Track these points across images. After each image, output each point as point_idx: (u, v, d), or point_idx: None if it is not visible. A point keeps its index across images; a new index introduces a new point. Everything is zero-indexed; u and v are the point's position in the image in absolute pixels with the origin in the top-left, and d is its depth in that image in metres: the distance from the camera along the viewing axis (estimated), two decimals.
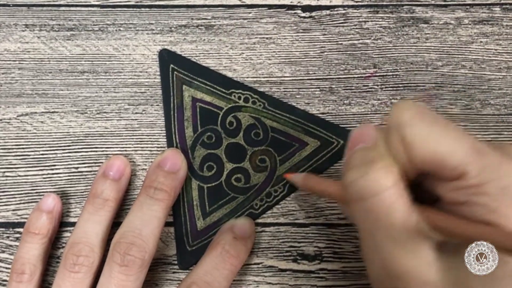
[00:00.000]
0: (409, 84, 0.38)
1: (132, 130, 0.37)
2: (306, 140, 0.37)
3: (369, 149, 0.26)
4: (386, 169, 0.24)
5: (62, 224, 0.36)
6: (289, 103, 0.37)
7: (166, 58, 0.38)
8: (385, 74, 0.38)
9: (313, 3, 0.39)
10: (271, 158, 0.37)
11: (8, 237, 0.36)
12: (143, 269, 0.31)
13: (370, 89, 0.38)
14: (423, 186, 0.27)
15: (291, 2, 0.39)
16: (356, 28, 0.39)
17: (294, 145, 0.37)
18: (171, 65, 0.38)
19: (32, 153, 0.37)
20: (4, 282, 0.36)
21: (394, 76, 0.38)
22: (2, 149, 0.37)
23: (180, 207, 0.36)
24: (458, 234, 0.23)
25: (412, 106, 0.25)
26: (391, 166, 0.24)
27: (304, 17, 0.39)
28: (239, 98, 0.37)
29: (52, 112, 0.37)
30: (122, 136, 0.37)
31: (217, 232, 0.35)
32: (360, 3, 0.39)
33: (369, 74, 0.38)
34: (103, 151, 0.37)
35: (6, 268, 0.36)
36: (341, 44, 0.38)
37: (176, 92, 0.37)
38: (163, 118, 0.37)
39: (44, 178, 0.37)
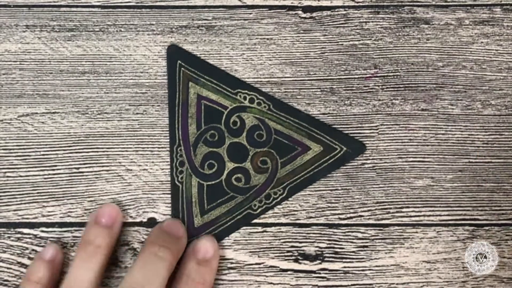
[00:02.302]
0: (410, 85, 0.38)
1: (133, 131, 0.37)
2: (309, 144, 0.37)
3: None
4: None
5: (63, 225, 0.36)
6: (291, 104, 0.37)
7: (174, 54, 0.38)
8: (386, 74, 0.38)
9: (314, 4, 0.39)
10: (273, 160, 0.37)
11: (9, 237, 0.36)
12: None
13: (371, 90, 0.38)
14: None
15: (292, 2, 0.39)
16: (357, 29, 0.39)
17: (296, 149, 0.37)
18: (179, 61, 0.38)
19: (33, 153, 0.37)
20: (6, 282, 0.36)
21: (395, 77, 0.38)
22: (3, 149, 0.37)
23: (178, 203, 0.36)
24: None
25: None
26: None
27: (305, 18, 0.39)
28: (245, 98, 0.37)
29: (53, 112, 0.37)
30: (123, 136, 0.37)
31: (182, 258, 0.35)
32: (361, 4, 0.39)
33: (370, 75, 0.38)
34: (104, 151, 0.37)
35: (7, 268, 0.36)
36: (342, 44, 0.39)
37: (182, 88, 0.37)
38: (164, 118, 0.37)
39: (45, 178, 0.37)
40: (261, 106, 0.37)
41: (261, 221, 0.36)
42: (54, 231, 0.36)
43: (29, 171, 0.37)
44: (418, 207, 0.36)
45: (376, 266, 0.36)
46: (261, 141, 0.37)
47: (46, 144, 0.37)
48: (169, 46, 0.38)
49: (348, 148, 0.37)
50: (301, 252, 0.36)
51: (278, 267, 0.36)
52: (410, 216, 0.36)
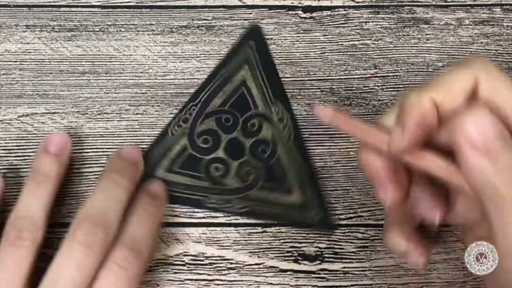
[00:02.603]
0: (410, 85, 0.38)
1: (133, 131, 0.37)
2: (295, 191, 0.36)
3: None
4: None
5: (63, 225, 0.36)
6: (292, 103, 0.37)
7: (253, 34, 0.38)
8: (385, 74, 0.38)
9: (314, 4, 0.39)
10: (256, 178, 0.36)
11: None
12: (106, 250, 0.31)
13: (371, 90, 0.38)
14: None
15: (292, 3, 0.39)
16: (357, 29, 0.39)
17: (282, 186, 0.36)
18: (251, 41, 0.38)
19: (33, 153, 0.37)
20: None
21: (395, 77, 0.38)
22: (3, 149, 0.37)
23: (156, 148, 0.37)
24: None
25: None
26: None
27: (305, 18, 0.39)
28: (277, 113, 0.37)
29: (53, 112, 0.38)
30: (122, 136, 0.37)
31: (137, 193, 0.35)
32: (360, 4, 0.39)
33: (370, 75, 0.38)
34: (103, 151, 0.37)
35: None
36: (342, 44, 0.39)
37: (235, 64, 0.37)
38: (164, 119, 0.37)
39: None
40: (285, 129, 0.37)
41: (261, 221, 0.36)
42: (54, 231, 0.36)
43: (29, 171, 0.37)
44: None
45: (376, 266, 0.36)
46: (260, 156, 0.37)
47: None
48: (254, 25, 0.38)
49: (322, 219, 0.36)
50: (301, 252, 0.36)
51: (278, 267, 0.36)
52: None
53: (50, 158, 0.34)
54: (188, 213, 0.36)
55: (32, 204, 0.32)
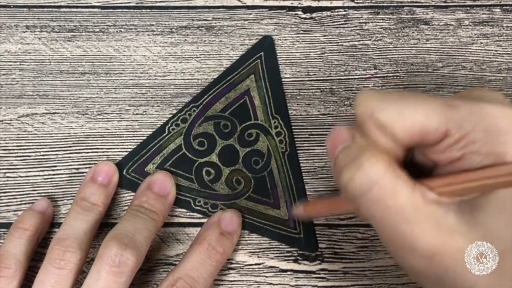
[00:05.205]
0: (410, 85, 0.38)
1: (133, 131, 0.37)
2: (282, 206, 0.36)
3: (349, 146, 0.26)
4: (374, 157, 0.24)
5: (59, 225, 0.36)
6: (289, 104, 0.37)
7: (264, 45, 0.38)
8: (385, 75, 0.38)
9: (314, 4, 0.39)
10: (245, 188, 0.36)
11: None
12: (133, 274, 0.31)
13: (371, 90, 0.38)
14: (415, 160, 0.27)
15: (292, 3, 0.39)
16: (357, 29, 0.39)
17: (270, 199, 0.36)
18: (261, 53, 0.38)
19: (33, 154, 0.37)
20: None
21: (395, 77, 0.38)
22: (3, 150, 0.37)
23: (150, 144, 0.37)
24: (465, 188, 0.24)
25: (373, 94, 0.25)
26: (377, 153, 0.24)
27: (305, 18, 0.39)
28: (276, 127, 0.37)
29: (53, 113, 0.38)
30: (123, 137, 0.37)
31: (204, 224, 0.35)
32: (360, 4, 0.39)
33: (370, 75, 0.38)
34: (104, 152, 0.37)
35: None
36: (342, 45, 0.39)
37: (240, 73, 0.37)
38: (164, 119, 0.37)
39: (45, 179, 0.37)
40: (281, 144, 0.37)
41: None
42: (54, 232, 0.36)
43: (29, 171, 0.37)
44: None
45: (376, 266, 0.36)
46: (253, 167, 0.37)
47: (46, 145, 0.37)
48: (266, 37, 0.38)
49: (304, 239, 0.36)
50: (301, 252, 0.36)
51: (278, 267, 0.36)
52: None
53: (97, 187, 0.34)
54: (188, 213, 0.36)
55: (78, 226, 0.32)
